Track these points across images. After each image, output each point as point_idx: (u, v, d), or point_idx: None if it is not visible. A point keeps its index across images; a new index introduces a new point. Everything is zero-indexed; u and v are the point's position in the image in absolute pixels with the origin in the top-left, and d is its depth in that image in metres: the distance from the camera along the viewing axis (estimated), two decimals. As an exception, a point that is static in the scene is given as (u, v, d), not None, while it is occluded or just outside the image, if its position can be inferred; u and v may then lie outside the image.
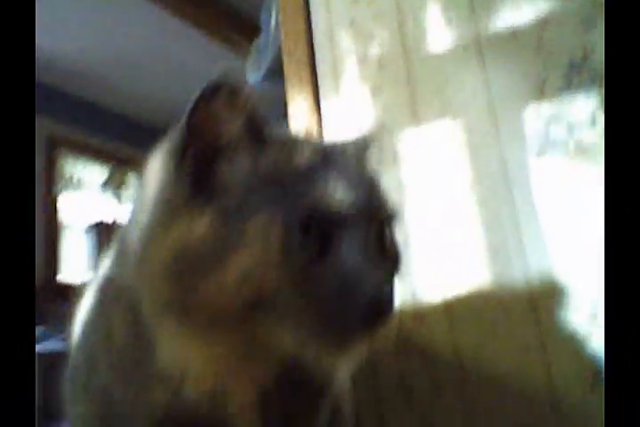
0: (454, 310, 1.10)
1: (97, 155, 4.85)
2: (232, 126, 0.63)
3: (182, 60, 4.06)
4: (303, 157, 0.64)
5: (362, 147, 0.76)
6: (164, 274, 0.60)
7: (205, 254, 0.58)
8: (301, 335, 0.58)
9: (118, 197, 4.92)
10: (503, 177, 1.10)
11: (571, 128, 1.05)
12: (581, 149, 1.04)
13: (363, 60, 1.30)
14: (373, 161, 0.77)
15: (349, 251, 0.59)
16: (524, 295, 1.04)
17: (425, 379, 1.10)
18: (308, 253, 0.58)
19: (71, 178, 4.62)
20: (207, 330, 0.62)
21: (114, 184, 4.92)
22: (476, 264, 1.09)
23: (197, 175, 0.62)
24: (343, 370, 0.79)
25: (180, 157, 0.62)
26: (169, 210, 0.62)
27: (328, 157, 0.66)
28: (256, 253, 0.57)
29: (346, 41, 1.33)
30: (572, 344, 0.98)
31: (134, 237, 0.66)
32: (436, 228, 1.15)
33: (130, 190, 4.98)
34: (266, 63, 1.77)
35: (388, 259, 0.66)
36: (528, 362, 1.01)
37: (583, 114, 1.05)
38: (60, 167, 4.48)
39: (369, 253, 0.60)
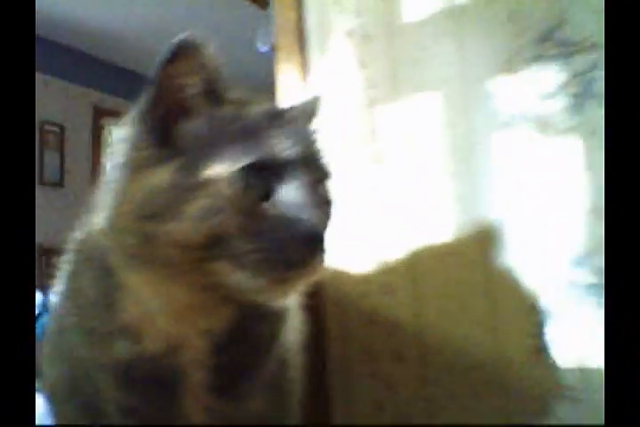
0: (418, 281, 1.12)
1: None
2: (193, 84, 0.69)
3: (227, 28, 4.09)
4: (254, 115, 0.71)
5: (307, 110, 0.82)
6: (130, 224, 0.67)
7: (167, 202, 0.65)
8: (247, 271, 0.64)
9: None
10: (471, 149, 1.11)
11: (537, 100, 1.05)
12: (545, 122, 1.03)
13: (349, 33, 1.31)
14: (316, 124, 0.83)
15: (289, 195, 0.66)
16: (478, 269, 1.06)
17: (389, 347, 1.13)
18: (254, 196, 0.65)
19: (117, 148, 4.76)
20: (168, 277, 0.68)
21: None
22: (442, 236, 1.11)
23: (162, 130, 0.68)
24: (289, 309, 0.84)
25: (148, 114, 0.69)
26: (136, 163, 0.68)
27: (276, 116, 0.73)
28: (209, 198, 0.64)
29: (333, 15, 1.34)
30: (520, 315, 1.00)
31: (104, 193, 0.73)
32: (410, 199, 1.17)
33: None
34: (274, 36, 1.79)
35: (322, 205, 0.71)
36: (479, 332, 1.04)
37: (551, 86, 1.04)
38: (106, 137, 4.61)
39: (306, 199, 0.66)
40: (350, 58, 1.30)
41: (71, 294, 0.82)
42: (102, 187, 0.74)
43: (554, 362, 0.98)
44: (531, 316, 1.01)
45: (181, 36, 0.67)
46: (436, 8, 1.19)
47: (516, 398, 1.01)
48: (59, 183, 4.21)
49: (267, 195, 0.66)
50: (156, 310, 0.72)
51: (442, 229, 1.11)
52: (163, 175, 0.66)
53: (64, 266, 0.85)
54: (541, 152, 1.04)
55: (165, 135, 0.68)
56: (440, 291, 1.10)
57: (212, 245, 0.64)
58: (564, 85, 1.03)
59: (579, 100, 1.01)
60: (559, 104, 1.03)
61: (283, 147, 0.68)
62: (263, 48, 1.59)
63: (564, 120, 1.02)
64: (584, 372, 0.95)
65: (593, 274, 0.96)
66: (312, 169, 0.70)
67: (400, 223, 1.17)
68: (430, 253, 1.12)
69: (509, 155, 1.07)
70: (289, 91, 1.37)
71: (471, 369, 1.05)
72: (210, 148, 0.67)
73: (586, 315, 0.95)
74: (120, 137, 0.72)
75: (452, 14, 1.17)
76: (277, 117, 0.73)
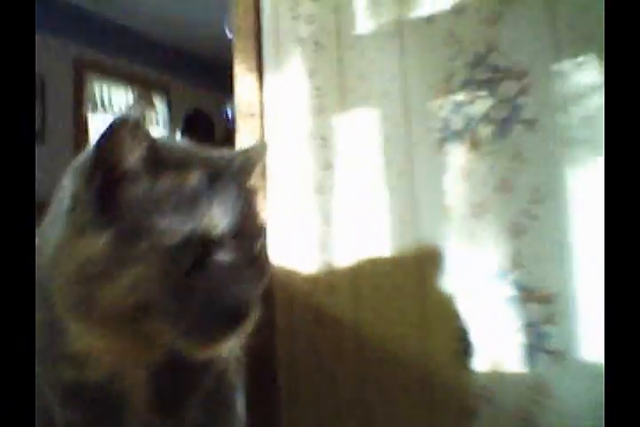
0: (359, 284, 1.22)
1: (124, 78, 4.94)
2: (133, 154, 0.73)
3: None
4: (192, 184, 0.75)
5: (252, 159, 0.86)
6: (71, 281, 0.73)
7: (103, 268, 0.71)
8: (178, 333, 0.72)
9: (144, 119, 5.05)
10: (409, 164, 1.18)
11: (469, 121, 1.12)
12: (475, 142, 1.11)
13: (301, 41, 1.36)
14: (254, 175, 0.87)
15: (219, 267, 0.72)
16: (414, 273, 1.15)
17: (332, 345, 1.24)
18: (184, 269, 0.70)
19: (99, 100, 4.76)
20: (106, 325, 0.75)
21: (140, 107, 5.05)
22: (382, 240, 1.21)
23: (102, 197, 0.73)
24: (221, 353, 0.93)
25: (88, 179, 0.73)
26: (76, 227, 0.74)
27: (214, 180, 0.76)
28: (141, 270, 0.70)
29: (287, 21, 1.38)
30: (447, 320, 1.11)
31: (48, 244, 0.78)
32: (354, 205, 1.25)
33: (155, 113, 5.13)
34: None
35: (256, 269, 0.77)
36: (411, 333, 1.15)
37: (479, 109, 1.11)
38: (88, 90, 4.60)
39: (237, 268, 0.73)
40: (301, 65, 1.35)
41: None
42: (47, 230, 0.80)
43: (474, 364, 1.09)
44: (456, 322, 1.11)
45: (119, 116, 0.72)
46: (383, 22, 1.24)
47: (440, 394, 1.12)
48: (40, 138, 4.22)
49: (197, 265, 0.71)
50: (98, 349, 0.80)
51: (381, 236, 1.20)
52: (99, 244, 0.71)
53: None
54: (470, 170, 1.11)
55: (106, 201, 0.73)
56: (377, 294, 1.20)
57: (142, 309, 0.71)
58: (492, 109, 1.10)
59: (506, 125, 1.08)
60: (488, 127, 1.10)
61: (216, 221, 0.72)
62: (230, 35, 1.62)
63: (491, 142, 1.09)
64: (498, 374, 1.06)
65: (512, 287, 1.05)
66: (245, 236, 0.75)
67: (345, 228, 1.26)
68: (370, 259, 1.21)
69: (444, 170, 1.15)
70: (246, 93, 1.43)
71: (402, 367, 1.16)
72: (146, 219, 0.72)
73: (503, 323, 1.06)
74: (64, 191, 0.77)
75: (397, 30, 1.22)
76: (215, 180, 0.76)
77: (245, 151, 0.87)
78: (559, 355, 1.00)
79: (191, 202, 0.73)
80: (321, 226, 1.29)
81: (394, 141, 1.21)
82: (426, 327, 1.14)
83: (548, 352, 1.01)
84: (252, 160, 0.86)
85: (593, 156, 1.00)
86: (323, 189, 1.30)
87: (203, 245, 0.71)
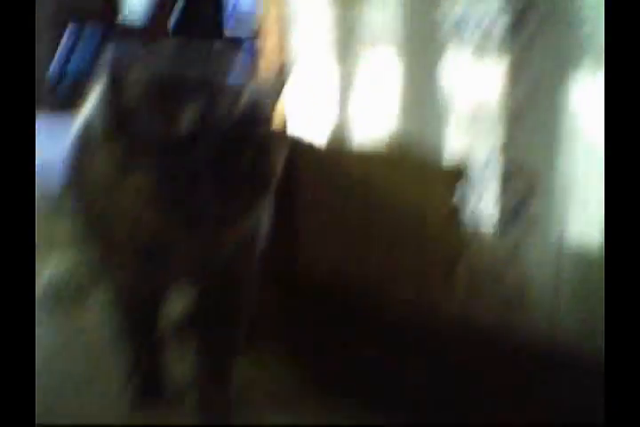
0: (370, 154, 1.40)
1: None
2: (134, 87, 0.91)
3: None
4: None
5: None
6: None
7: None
8: None
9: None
10: (424, 53, 1.30)
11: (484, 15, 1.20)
12: (483, 48, 1.20)
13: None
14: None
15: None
16: (418, 147, 1.32)
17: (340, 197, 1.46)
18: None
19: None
20: None
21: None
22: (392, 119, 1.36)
23: (115, 118, 0.92)
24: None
25: (106, 100, 0.93)
26: (98, 136, 0.96)
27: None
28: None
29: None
30: (448, 182, 1.29)
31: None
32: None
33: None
34: None
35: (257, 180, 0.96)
36: (413, 190, 1.35)
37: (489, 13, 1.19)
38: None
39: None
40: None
41: None
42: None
43: (463, 226, 1.28)
44: (454, 186, 1.28)
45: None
46: None
47: (431, 244, 1.34)
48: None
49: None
50: None
51: (393, 116, 1.35)
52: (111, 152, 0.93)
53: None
54: (480, 59, 1.22)
55: (118, 120, 0.91)
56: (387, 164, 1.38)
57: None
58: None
59: (521, 17, 1.15)
60: (502, 19, 1.18)
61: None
62: None
63: (505, 35, 1.18)
64: (479, 236, 1.26)
65: (506, 163, 1.21)
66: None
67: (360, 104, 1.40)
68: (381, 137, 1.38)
69: (456, 58, 1.25)
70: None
71: (402, 218, 1.37)
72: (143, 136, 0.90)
73: (493, 192, 1.23)
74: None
75: None
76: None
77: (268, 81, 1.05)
78: (535, 223, 1.19)
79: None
80: (338, 103, 1.43)
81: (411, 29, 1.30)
82: (426, 188, 1.33)
83: (527, 220, 1.19)
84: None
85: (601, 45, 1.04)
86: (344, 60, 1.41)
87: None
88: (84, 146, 1.03)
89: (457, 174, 1.27)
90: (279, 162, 1.02)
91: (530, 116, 1.17)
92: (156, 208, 0.92)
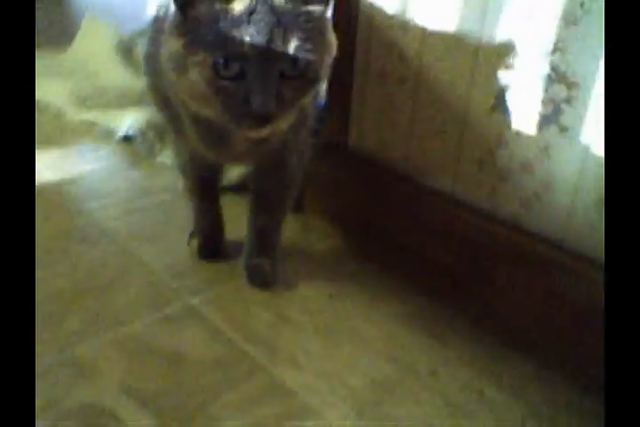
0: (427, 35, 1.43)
1: None
2: None
3: None
4: (232, 11, 0.98)
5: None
6: (165, 66, 1.07)
7: (177, 64, 1.02)
8: (226, 120, 1.05)
9: None
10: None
11: None
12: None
13: None
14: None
15: (252, 79, 0.98)
16: (472, 39, 1.35)
17: (397, 73, 1.53)
18: (226, 77, 0.98)
19: None
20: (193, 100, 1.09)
21: None
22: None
23: (182, 13, 1.00)
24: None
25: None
26: (169, 30, 1.04)
27: (254, 11, 0.98)
28: (197, 74, 1.00)
29: None
30: (493, 78, 1.34)
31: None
32: None
33: None
34: None
35: (279, 97, 1.01)
36: (459, 82, 1.40)
37: None
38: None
39: (266, 83, 0.98)
40: None
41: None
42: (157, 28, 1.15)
43: (501, 120, 1.34)
44: (498, 83, 1.32)
45: None
46: None
47: (470, 135, 1.41)
48: None
49: (235, 76, 0.97)
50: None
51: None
52: (177, 45, 1.01)
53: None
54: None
55: (182, 17, 1.00)
56: (440, 45, 1.41)
57: (203, 99, 1.03)
58: None
59: None
60: None
61: (246, 46, 0.95)
62: None
63: None
64: (516, 132, 1.32)
65: (549, 67, 1.23)
66: (274, 57, 0.96)
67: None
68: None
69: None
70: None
71: (446, 109, 1.44)
72: (199, 37, 0.98)
73: (533, 95, 1.27)
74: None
75: None
76: (256, 12, 0.97)
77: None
78: (566, 129, 1.23)
79: (232, 25, 0.96)
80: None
81: None
82: (473, 81, 1.36)
83: (559, 125, 1.24)
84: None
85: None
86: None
87: (239, 60, 0.97)
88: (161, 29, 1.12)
89: (505, 62, 1.30)
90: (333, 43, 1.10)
91: (584, 24, 1.16)
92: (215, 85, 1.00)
